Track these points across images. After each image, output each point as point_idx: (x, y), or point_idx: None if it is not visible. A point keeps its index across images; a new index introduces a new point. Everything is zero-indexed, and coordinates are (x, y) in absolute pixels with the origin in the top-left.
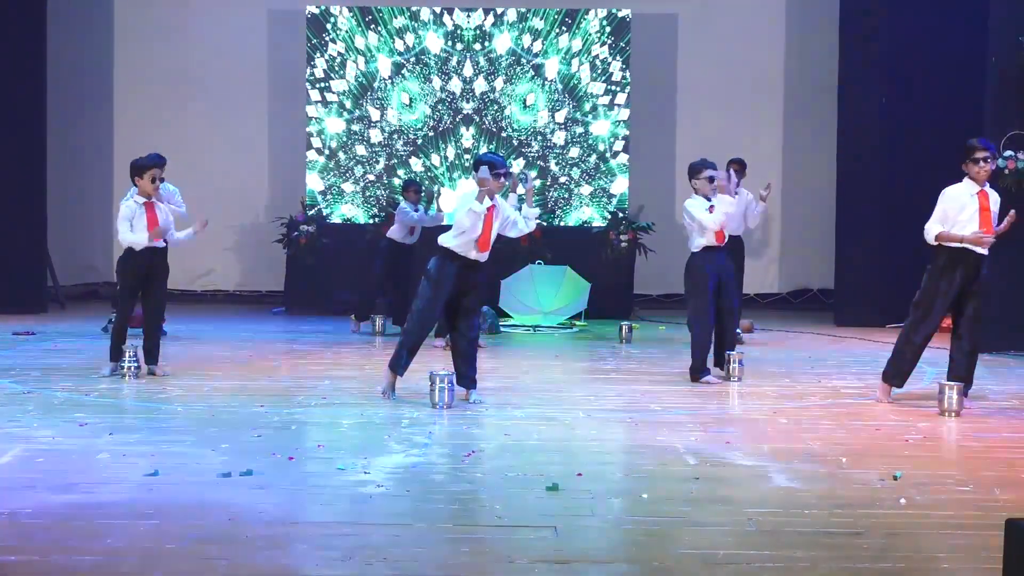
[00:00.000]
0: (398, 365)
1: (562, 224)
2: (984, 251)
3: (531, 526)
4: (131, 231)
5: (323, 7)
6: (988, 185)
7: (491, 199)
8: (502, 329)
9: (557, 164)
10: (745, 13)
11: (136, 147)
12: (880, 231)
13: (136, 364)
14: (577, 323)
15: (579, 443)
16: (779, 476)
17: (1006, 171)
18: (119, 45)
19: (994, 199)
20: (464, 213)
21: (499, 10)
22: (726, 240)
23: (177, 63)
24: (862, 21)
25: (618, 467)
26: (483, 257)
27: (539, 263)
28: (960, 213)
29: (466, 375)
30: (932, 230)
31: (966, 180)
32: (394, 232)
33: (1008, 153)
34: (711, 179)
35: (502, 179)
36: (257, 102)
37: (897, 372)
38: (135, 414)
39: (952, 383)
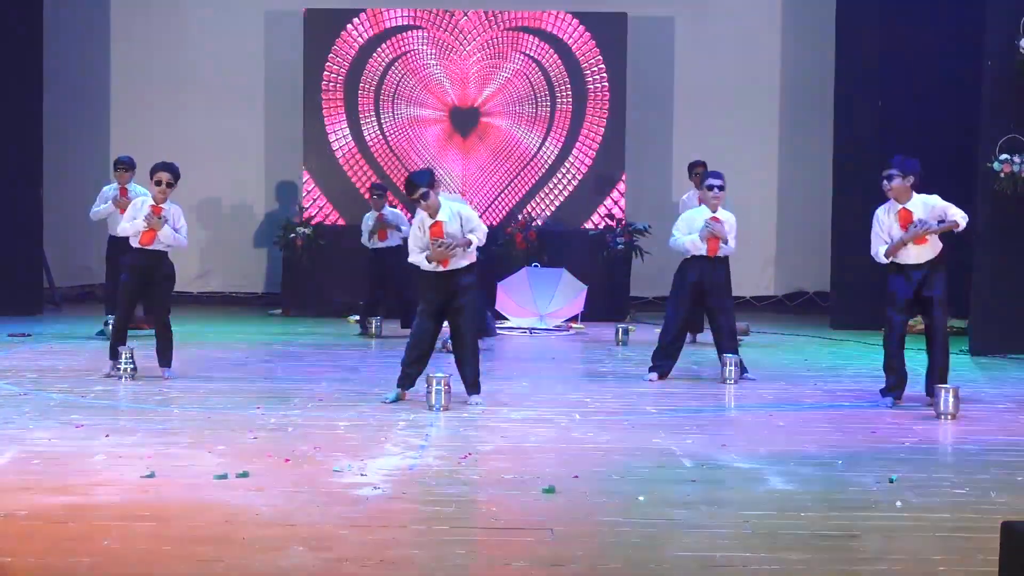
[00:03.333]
0: (400, 380)
1: (551, 226)
2: (925, 258)
3: (527, 528)
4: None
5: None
6: (914, 197)
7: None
8: (498, 331)
9: (550, 166)
10: (741, 16)
11: (132, 148)
12: None
13: (132, 365)
14: (573, 325)
15: (575, 445)
16: (775, 479)
17: (1001, 175)
18: (115, 47)
19: (922, 209)
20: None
21: (496, 11)
22: (719, 253)
23: (173, 64)
24: (858, 24)
25: (614, 469)
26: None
27: (535, 265)
28: (886, 233)
29: (462, 377)
30: (880, 251)
31: (890, 200)
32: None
33: (1004, 157)
34: (709, 187)
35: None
36: (254, 103)
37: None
38: (131, 416)
39: (948, 386)
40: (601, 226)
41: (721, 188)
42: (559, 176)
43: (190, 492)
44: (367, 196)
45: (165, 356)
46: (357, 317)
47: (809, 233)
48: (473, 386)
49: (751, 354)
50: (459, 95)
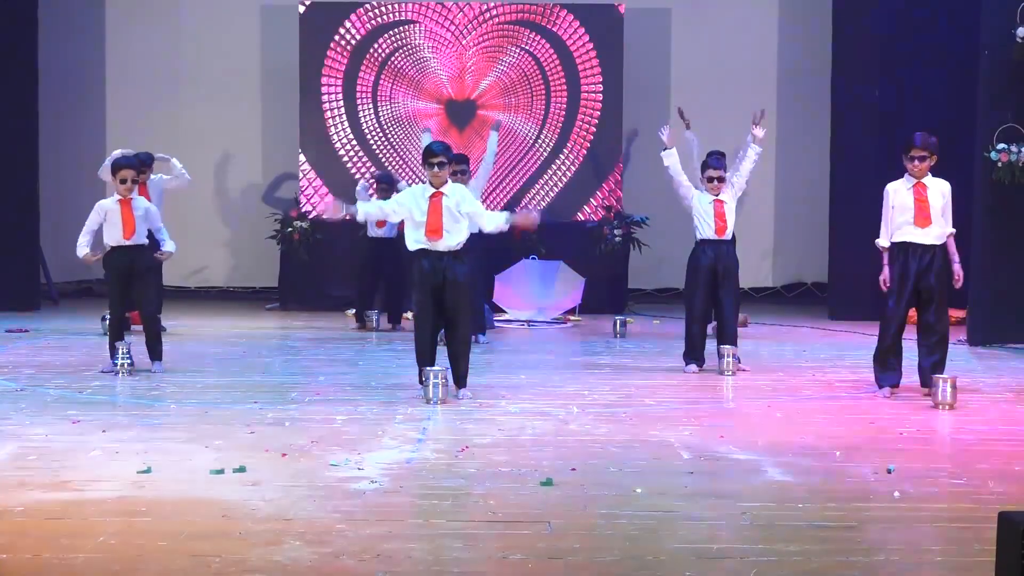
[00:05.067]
0: (419, 375)
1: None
2: (930, 241)
3: (525, 521)
4: (88, 233)
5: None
6: (931, 176)
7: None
8: (496, 324)
9: (547, 160)
10: (738, 6)
11: (129, 143)
12: (874, 224)
13: (130, 361)
14: (571, 318)
15: (573, 438)
16: (773, 470)
17: (999, 164)
18: (111, 41)
19: (937, 190)
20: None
21: (492, 4)
22: (727, 234)
23: (170, 59)
24: (855, 13)
25: (612, 461)
26: (440, 245)
27: (533, 258)
28: (897, 209)
29: (454, 373)
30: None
31: (905, 176)
32: (371, 229)
33: (1001, 146)
34: (709, 179)
35: (435, 168)
36: (250, 97)
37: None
38: (128, 411)
39: (946, 376)
40: (598, 218)
41: (721, 180)
42: (556, 168)
43: (186, 487)
44: (373, 190)
45: (155, 351)
46: (354, 311)
47: (807, 224)
48: (462, 380)
49: (749, 345)
50: (455, 88)
